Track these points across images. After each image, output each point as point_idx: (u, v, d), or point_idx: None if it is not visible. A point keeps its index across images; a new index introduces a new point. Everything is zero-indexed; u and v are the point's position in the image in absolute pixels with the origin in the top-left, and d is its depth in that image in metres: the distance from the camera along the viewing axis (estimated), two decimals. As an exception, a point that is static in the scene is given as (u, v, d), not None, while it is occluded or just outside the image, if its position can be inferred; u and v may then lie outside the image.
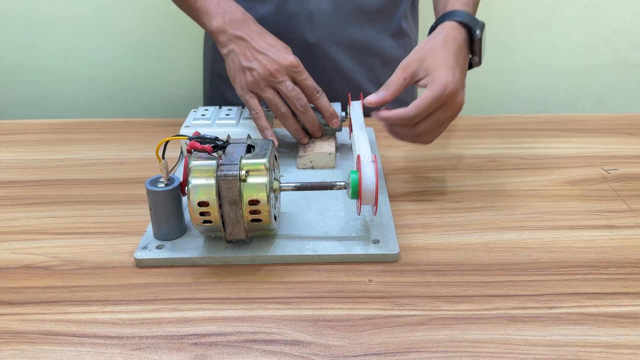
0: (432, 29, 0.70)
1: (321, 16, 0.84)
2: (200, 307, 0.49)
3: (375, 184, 0.53)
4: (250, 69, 0.71)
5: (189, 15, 0.79)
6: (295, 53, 0.74)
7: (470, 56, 0.69)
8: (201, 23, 0.77)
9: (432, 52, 0.64)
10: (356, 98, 0.77)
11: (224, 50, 0.74)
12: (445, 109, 0.62)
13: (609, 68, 1.30)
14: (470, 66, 0.70)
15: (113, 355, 0.44)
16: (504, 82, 1.32)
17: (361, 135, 0.62)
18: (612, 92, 1.33)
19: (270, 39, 0.73)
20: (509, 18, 1.24)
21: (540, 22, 1.25)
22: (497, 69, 1.30)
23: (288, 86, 0.70)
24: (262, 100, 0.73)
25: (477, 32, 0.67)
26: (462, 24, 0.67)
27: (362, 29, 0.87)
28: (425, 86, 0.62)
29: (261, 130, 0.71)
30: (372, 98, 0.63)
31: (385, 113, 0.62)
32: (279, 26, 0.84)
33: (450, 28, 0.67)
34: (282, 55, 0.70)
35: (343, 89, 0.89)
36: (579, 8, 1.23)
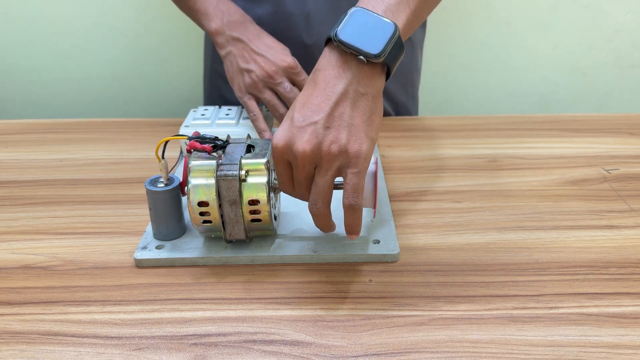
0: None
1: (318, 17, 0.84)
2: (200, 307, 0.49)
3: (374, 187, 0.53)
4: (248, 71, 0.71)
5: (188, 16, 0.79)
6: (293, 54, 0.74)
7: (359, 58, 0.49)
8: (200, 24, 0.77)
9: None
10: None
11: (222, 52, 0.74)
12: (294, 167, 0.49)
13: (610, 68, 1.30)
14: (389, 73, 0.52)
15: (113, 356, 0.44)
16: (504, 82, 1.32)
17: None
18: (613, 92, 1.33)
19: (269, 40, 0.73)
20: (509, 18, 1.24)
21: (540, 22, 1.25)
22: (498, 69, 1.30)
23: (286, 87, 0.70)
24: (260, 102, 0.73)
25: (334, 31, 0.49)
26: (329, 40, 0.50)
27: None
28: None
29: (259, 132, 0.71)
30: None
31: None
32: (276, 27, 0.84)
33: (321, 57, 0.51)
34: (279, 56, 0.70)
35: None
36: (580, 8, 1.23)
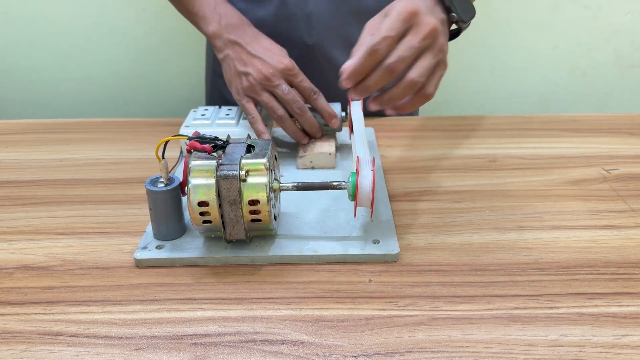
0: None
1: (319, 17, 0.84)
2: (200, 307, 0.49)
3: (371, 187, 0.53)
4: (246, 74, 0.71)
5: (186, 18, 0.79)
6: (294, 55, 0.74)
7: (450, 15, 0.59)
8: (198, 27, 0.77)
9: (392, 4, 0.59)
10: None
11: (220, 55, 0.74)
12: (415, 31, 0.54)
13: (610, 68, 1.30)
14: (458, 31, 0.62)
15: (113, 355, 0.44)
16: (504, 82, 1.32)
17: (361, 136, 0.62)
18: (613, 92, 1.33)
19: (266, 42, 0.73)
20: (509, 18, 1.24)
21: (540, 22, 1.25)
22: (497, 69, 1.30)
23: (284, 89, 0.70)
24: (258, 104, 0.73)
25: None
26: None
27: (360, 29, 0.87)
28: None
29: (258, 134, 0.71)
30: (348, 64, 0.57)
31: (349, 70, 0.56)
32: (278, 28, 0.83)
33: None
34: (277, 58, 0.70)
35: (342, 90, 0.89)
36: (580, 8, 1.23)
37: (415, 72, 0.54)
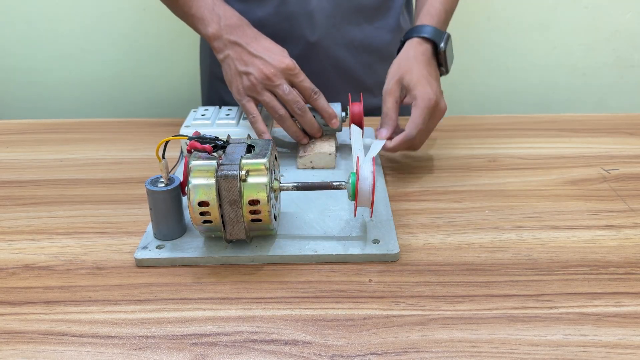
0: (402, 43, 0.76)
1: (321, 15, 0.84)
2: (200, 307, 0.49)
3: (371, 187, 0.53)
4: (247, 74, 0.71)
5: (184, 21, 0.79)
6: (295, 52, 0.74)
7: (440, 68, 0.75)
8: (197, 29, 0.76)
9: (407, 70, 0.70)
10: (357, 96, 0.77)
11: (220, 56, 0.74)
12: (433, 117, 0.69)
13: (609, 68, 1.30)
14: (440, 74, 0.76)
15: (113, 355, 0.44)
16: (504, 82, 1.32)
17: (359, 142, 0.62)
18: (612, 92, 1.33)
19: (266, 42, 0.73)
20: (509, 18, 1.24)
21: (540, 22, 1.25)
22: (497, 69, 1.30)
23: (285, 89, 0.70)
24: (259, 104, 0.73)
25: (441, 45, 0.73)
26: (427, 39, 0.73)
27: (361, 26, 0.88)
28: (410, 103, 0.70)
29: (258, 134, 0.71)
30: (384, 136, 0.70)
31: (391, 143, 0.69)
32: (278, 27, 0.84)
33: (417, 44, 0.73)
34: (278, 58, 0.70)
35: (344, 87, 0.90)
36: (579, 8, 1.23)
37: (421, 144, 0.71)
